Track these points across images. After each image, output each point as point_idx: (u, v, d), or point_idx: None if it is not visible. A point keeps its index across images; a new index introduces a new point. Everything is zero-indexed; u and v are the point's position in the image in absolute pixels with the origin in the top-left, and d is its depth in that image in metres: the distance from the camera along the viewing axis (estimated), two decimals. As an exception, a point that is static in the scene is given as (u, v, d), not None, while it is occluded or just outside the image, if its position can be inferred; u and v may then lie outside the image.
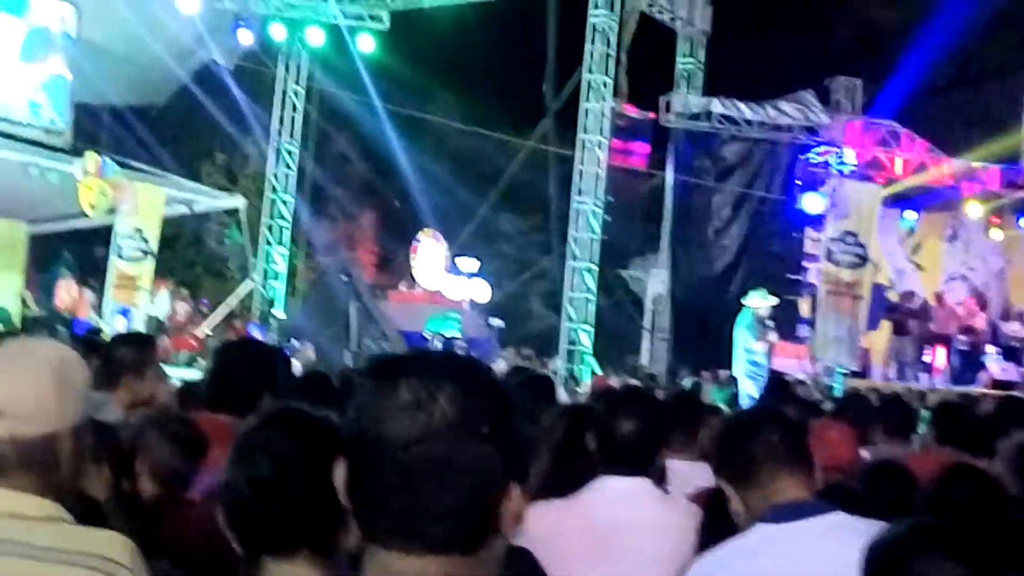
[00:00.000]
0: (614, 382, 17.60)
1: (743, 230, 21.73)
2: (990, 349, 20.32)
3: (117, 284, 17.76)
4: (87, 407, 2.01)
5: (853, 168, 21.13)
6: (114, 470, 2.86)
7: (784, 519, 2.61)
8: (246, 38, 20.64)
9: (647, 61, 21.45)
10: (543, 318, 26.80)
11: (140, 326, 17.08)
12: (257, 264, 22.00)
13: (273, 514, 2.10)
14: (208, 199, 20.97)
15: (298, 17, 21.42)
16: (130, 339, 5.22)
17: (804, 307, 21.13)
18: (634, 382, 17.18)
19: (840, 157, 21.32)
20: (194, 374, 12.39)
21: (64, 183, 16.85)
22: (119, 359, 4.48)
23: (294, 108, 22.33)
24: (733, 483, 2.75)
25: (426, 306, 23.10)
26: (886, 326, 20.50)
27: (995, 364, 19.99)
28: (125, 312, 17.52)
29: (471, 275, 24.75)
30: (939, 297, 21.42)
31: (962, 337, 20.48)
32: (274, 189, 22.42)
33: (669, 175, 21.76)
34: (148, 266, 18.11)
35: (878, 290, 20.07)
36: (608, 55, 19.16)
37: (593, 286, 19.16)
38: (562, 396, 9.53)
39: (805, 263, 21.62)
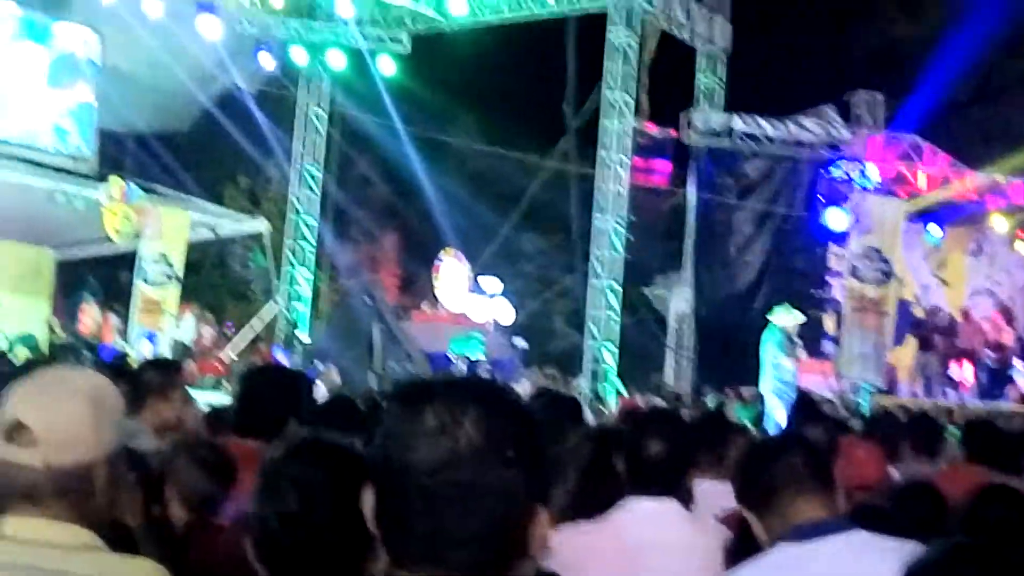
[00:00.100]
0: (639, 401, 17.57)
1: (766, 247, 21.66)
2: (1018, 364, 20.16)
3: (142, 309, 17.86)
4: (121, 435, 2.03)
5: (876, 183, 21.03)
6: (144, 496, 2.88)
7: (804, 538, 2.61)
8: (268, 62, 20.79)
9: (667, 79, 21.48)
10: (566, 337, 26.77)
11: (166, 350, 17.18)
12: (281, 287, 22.09)
13: (302, 545, 2.11)
14: (232, 223, 21.09)
15: (319, 41, 21.55)
16: (156, 364, 5.27)
17: (829, 324, 21.01)
18: (659, 401, 17.16)
19: (863, 172, 21.22)
20: (220, 397, 12.44)
21: (90, 209, 17.01)
22: (145, 383, 4.52)
23: (316, 131, 22.46)
24: (754, 510, 2.75)
25: (450, 327, 23.10)
26: (912, 342, 20.36)
27: (1023, 379, 19.84)
28: (151, 337, 17.61)
29: (494, 295, 24.75)
30: (965, 312, 21.29)
31: (989, 352, 20.33)
32: (297, 212, 22.52)
33: (691, 193, 21.73)
34: (173, 290, 18.21)
35: (904, 306, 19.95)
36: (628, 74, 19.17)
37: (616, 304, 19.12)
38: (587, 416, 9.50)
39: (829, 279, 21.52)
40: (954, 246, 22.61)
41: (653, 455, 3.26)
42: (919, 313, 21.02)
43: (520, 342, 23.53)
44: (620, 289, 19.28)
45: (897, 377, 20.28)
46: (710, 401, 16.48)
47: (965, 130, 21.11)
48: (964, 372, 20.44)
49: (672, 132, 21.94)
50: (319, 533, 2.10)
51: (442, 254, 24.68)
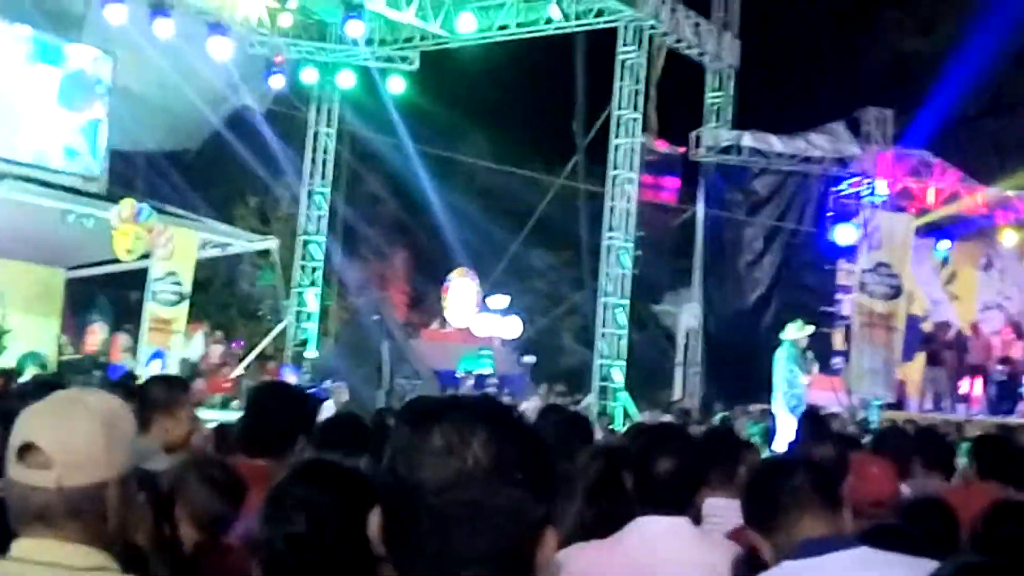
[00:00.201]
0: (647, 418, 17.54)
1: (775, 263, 21.66)
2: (1028, 379, 20.09)
3: (152, 327, 17.87)
4: (133, 456, 2.03)
5: (885, 199, 21.04)
6: (154, 516, 2.88)
7: (808, 555, 2.62)
8: (278, 82, 20.86)
9: (676, 96, 21.51)
10: (575, 354, 26.75)
11: (174, 369, 17.19)
12: (290, 305, 22.11)
13: (309, 567, 2.11)
14: (242, 241, 21.14)
15: (329, 60, 21.63)
16: (162, 380, 5.28)
17: (838, 339, 20.98)
18: (668, 417, 17.13)
19: (872, 188, 21.23)
20: (229, 416, 12.43)
21: (100, 229, 17.06)
22: (151, 399, 4.52)
23: (325, 150, 22.51)
24: (761, 531, 2.77)
25: (459, 344, 23.09)
26: (922, 357, 20.32)
27: (1033, 394, 19.77)
28: (160, 355, 17.63)
29: (503, 312, 24.75)
30: (975, 327, 21.24)
31: (999, 367, 20.27)
32: (306, 230, 22.55)
33: (700, 209, 21.74)
34: (183, 309, 18.23)
35: (913, 321, 19.91)
36: (637, 91, 19.21)
37: (625, 321, 19.11)
38: (597, 434, 9.48)
39: (838, 295, 21.50)
40: (964, 261, 22.58)
41: (663, 473, 3.26)
42: (928, 328, 20.98)
43: (529, 359, 23.53)
44: (629, 305, 19.27)
45: (906, 392, 20.23)
46: (717, 418, 16.43)
47: (975, 144, 21.11)
48: (974, 387, 20.39)
49: (681, 149, 21.96)
50: (326, 555, 2.10)
51: (452, 275, 24.70)
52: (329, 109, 22.46)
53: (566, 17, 19.04)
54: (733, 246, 21.74)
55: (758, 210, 21.68)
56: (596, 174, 21.60)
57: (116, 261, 18.00)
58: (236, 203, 25.71)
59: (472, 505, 1.41)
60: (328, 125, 22.48)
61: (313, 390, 16.85)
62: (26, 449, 1.92)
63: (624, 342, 19.06)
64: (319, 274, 22.67)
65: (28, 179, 17.01)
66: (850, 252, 20.30)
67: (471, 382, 20.12)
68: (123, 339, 18.69)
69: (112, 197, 17.87)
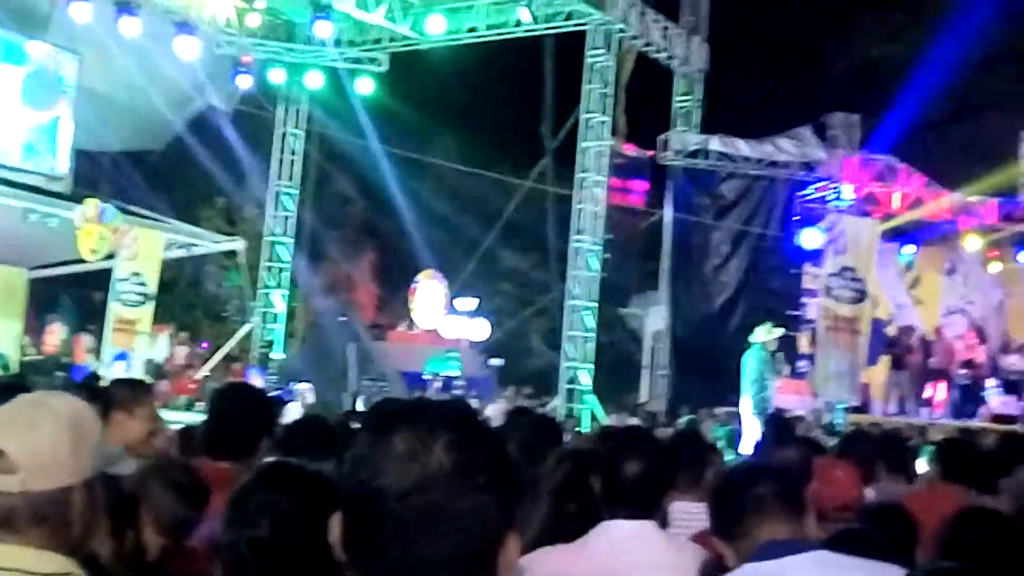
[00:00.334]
0: (614, 420, 17.57)
1: (742, 266, 21.77)
2: (990, 383, 20.30)
3: (116, 328, 17.73)
4: (101, 461, 2.01)
5: (851, 203, 21.20)
6: (116, 521, 2.85)
7: (768, 557, 2.65)
8: (245, 82, 20.74)
9: (645, 100, 21.59)
10: (543, 356, 26.80)
11: (139, 370, 17.06)
12: (256, 306, 21.99)
13: (272, 571, 2.09)
14: (208, 242, 21.00)
15: (297, 61, 21.53)
16: (124, 381, 5.27)
17: (804, 343, 21.12)
18: (634, 420, 17.17)
19: (838, 192, 21.40)
20: (194, 418, 12.35)
21: (64, 228, 16.90)
22: (111, 398, 4.49)
23: (293, 151, 22.39)
24: (726, 539, 2.80)
25: (426, 346, 23.06)
26: (886, 361, 20.49)
27: (995, 398, 19.98)
28: (124, 356, 17.49)
29: (470, 314, 24.74)
30: (938, 331, 21.45)
31: (962, 371, 20.48)
32: (273, 232, 22.43)
33: (668, 213, 21.82)
34: (147, 310, 18.10)
35: (877, 325, 20.06)
36: (606, 94, 19.24)
37: (592, 324, 19.14)
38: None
39: (804, 299, 21.64)
40: (928, 265, 22.79)
41: (630, 476, 3.25)
42: (892, 332, 21.16)
43: (496, 361, 23.53)
44: (596, 308, 19.30)
45: (871, 396, 20.38)
46: (682, 420, 16.48)
47: (941, 150, 21.31)
48: (937, 391, 20.58)
49: (649, 153, 22.03)
50: (289, 559, 2.09)
51: (419, 276, 24.66)
52: (297, 110, 22.35)
53: (535, 20, 19.04)
54: (700, 250, 21.83)
55: (725, 214, 21.79)
56: (564, 177, 21.63)
57: (80, 261, 17.83)
58: (202, 204, 25.56)
59: (435, 510, 1.40)
60: (296, 126, 22.37)
61: (279, 392, 16.78)
62: None
63: (591, 345, 19.09)
64: (286, 275, 22.55)
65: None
66: (816, 256, 20.43)
67: (438, 384, 20.08)
68: (87, 340, 18.53)
69: (76, 197, 17.71)
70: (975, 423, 18.54)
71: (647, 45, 20.43)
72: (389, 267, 29.44)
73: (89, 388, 7.18)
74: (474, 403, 16.40)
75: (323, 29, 18.70)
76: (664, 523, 3.63)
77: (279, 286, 22.34)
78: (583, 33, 19.32)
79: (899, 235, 21.69)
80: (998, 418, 19.06)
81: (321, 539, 1.54)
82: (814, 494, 3.70)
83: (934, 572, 2.13)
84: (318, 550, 1.85)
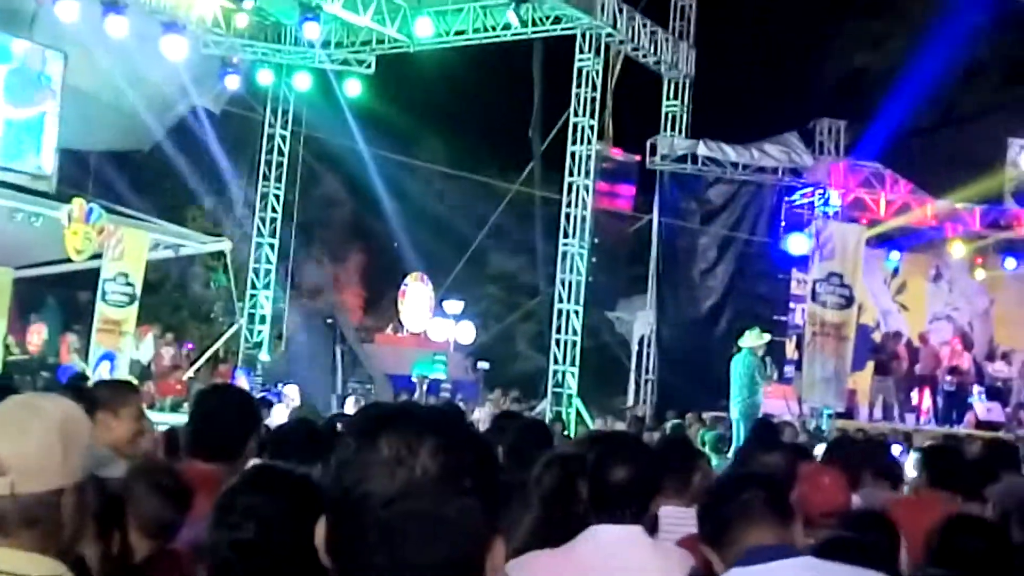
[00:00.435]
0: (601, 424, 17.59)
1: (729, 272, 21.78)
2: (975, 390, 20.39)
3: (102, 329, 17.65)
4: (91, 464, 2.00)
5: (837, 209, 21.27)
6: (102, 523, 2.83)
7: (753, 562, 2.66)
8: (233, 83, 20.70)
9: (633, 104, 21.60)
10: (530, 359, 26.81)
11: (125, 371, 17.00)
12: (243, 308, 21.93)
13: (257, 574, 2.08)
14: (195, 243, 20.94)
15: (285, 62, 21.51)
16: (109, 382, 5.25)
17: (790, 348, 21.17)
18: (621, 424, 17.18)
19: (825, 198, 21.46)
20: (180, 419, 12.31)
21: (49, 228, 16.83)
22: (96, 398, 4.46)
23: (280, 152, 22.34)
24: (713, 546, 2.81)
25: (413, 349, 23.06)
26: (871, 366, 20.55)
27: (980, 404, 20.07)
28: (110, 357, 17.42)
29: (457, 317, 24.75)
30: (923, 337, 21.52)
31: (948, 377, 20.55)
32: (260, 232, 22.38)
33: (655, 217, 21.84)
34: (133, 311, 18.03)
35: (864, 331, 20.13)
36: (594, 98, 19.27)
37: (579, 327, 19.15)
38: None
39: (791, 304, 21.69)
40: (914, 272, 22.87)
41: (618, 481, 3.25)
42: (877, 338, 21.24)
43: (482, 364, 23.55)
44: (583, 312, 19.31)
45: (857, 401, 20.44)
46: (667, 425, 16.49)
47: (927, 157, 21.37)
48: (923, 397, 20.65)
49: (637, 157, 22.05)
50: (274, 562, 2.08)
51: (408, 279, 24.66)
52: (284, 111, 22.31)
53: (524, 24, 19.05)
54: (687, 254, 21.84)
55: (712, 219, 21.81)
56: (552, 180, 21.64)
57: (65, 261, 17.76)
58: (189, 204, 25.47)
59: (421, 516, 1.39)
60: (283, 127, 22.33)
61: (265, 393, 16.76)
62: None
63: (578, 348, 19.10)
64: (272, 277, 22.51)
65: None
66: (803, 262, 20.48)
67: (425, 387, 20.09)
68: (72, 339, 18.46)
69: (62, 196, 17.64)
70: (961, 429, 18.61)
71: (635, 50, 20.47)
72: (376, 269, 29.42)
73: (75, 388, 7.15)
74: (460, 406, 16.39)
75: (311, 30, 18.68)
76: (654, 527, 3.62)
77: (266, 287, 22.30)
78: (572, 37, 19.35)
79: (885, 241, 21.76)
80: (983, 425, 19.15)
81: (306, 543, 1.53)
82: (801, 500, 3.71)
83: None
84: (303, 554, 1.84)
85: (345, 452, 1.45)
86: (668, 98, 22.08)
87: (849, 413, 19.75)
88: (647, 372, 21.81)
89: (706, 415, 17.17)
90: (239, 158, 23.65)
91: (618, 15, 19.36)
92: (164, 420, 11.27)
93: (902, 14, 24.30)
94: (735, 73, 24.80)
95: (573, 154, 19.29)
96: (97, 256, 17.54)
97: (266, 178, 22.30)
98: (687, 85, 22.05)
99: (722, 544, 2.78)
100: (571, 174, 19.32)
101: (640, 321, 22.30)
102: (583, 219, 19.28)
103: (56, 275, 19.74)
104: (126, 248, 17.77)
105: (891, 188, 21.71)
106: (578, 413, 18.71)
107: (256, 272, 22.25)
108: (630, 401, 21.71)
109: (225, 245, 20.93)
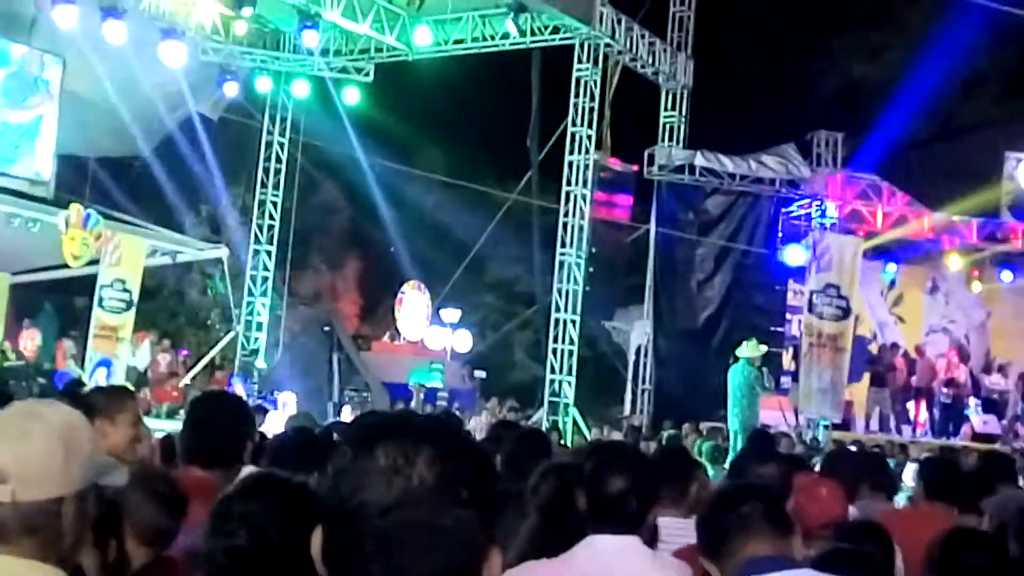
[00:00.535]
0: (598, 434, 17.58)
1: (726, 282, 21.80)
2: (971, 402, 20.40)
3: (98, 335, 17.63)
4: (93, 472, 1.99)
5: (835, 221, 21.29)
6: (99, 531, 2.82)
7: (752, 573, 2.66)
8: (232, 90, 20.71)
9: (630, 115, 21.64)
10: (526, 369, 26.79)
11: (121, 377, 16.97)
12: (240, 315, 21.91)
13: None
14: (192, 250, 20.93)
15: (284, 70, 21.52)
16: (105, 388, 5.24)
17: (787, 359, 21.17)
18: (617, 434, 17.18)
19: (822, 210, 21.48)
20: (176, 426, 12.29)
21: (47, 233, 16.81)
22: (92, 404, 4.45)
23: (278, 159, 22.34)
24: (712, 559, 2.81)
25: (409, 357, 23.05)
26: (867, 378, 20.56)
27: (977, 417, 20.08)
28: (106, 363, 17.39)
29: (454, 326, 24.74)
30: (920, 350, 21.53)
31: (944, 389, 20.57)
32: (257, 240, 22.37)
33: (652, 227, 21.86)
34: (130, 317, 18.01)
35: (860, 342, 20.14)
36: (592, 108, 19.29)
37: (576, 337, 19.15)
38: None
39: (788, 315, 21.70)
40: (911, 284, 22.90)
41: (616, 491, 3.25)
42: (874, 350, 21.25)
43: (479, 373, 23.53)
44: (580, 322, 19.31)
45: (853, 413, 20.45)
46: (664, 435, 16.50)
47: (924, 169, 21.40)
48: (919, 409, 20.66)
49: (634, 167, 22.08)
50: (269, 570, 2.07)
51: (405, 287, 24.65)
52: (283, 119, 22.32)
53: (522, 33, 19.06)
54: (684, 265, 21.86)
55: (709, 230, 21.83)
56: (550, 190, 21.65)
57: (62, 267, 17.74)
58: (187, 211, 25.45)
59: (417, 525, 1.39)
60: (281, 135, 22.34)
61: (262, 400, 16.74)
62: None
63: (575, 358, 19.10)
64: (269, 284, 22.50)
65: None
66: (800, 273, 20.50)
67: (421, 395, 20.08)
68: (68, 345, 18.43)
69: (60, 202, 17.63)
70: (957, 441, 18.62)
71: (633, 60, 20.50)
72: (373, 277, 29.40)
73: (71, 395, 7.14)
74: (456, 415, 16.39)
75: (310, 38, 18.69)
76: (654, 538, 3.62)
77: (263, 294, 22.28)
78: (570, 47, 19.38)
79: (882, 253, 21.79)
80: (979, 437, 19.17)
81: (302, 551, 1.53)
82: (798, 511, 3.71)
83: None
84: (299, 562, 1.84)
85: (342, 461, 1.45)
86: (666, 108, 22.11)
87: (845, 424, 19.75)
88: (644, 382, 21.81)
89: (703, 425, 17.18)
90: (237, 165, 23.64)
91: (616, 25, 19.39)
92: (160, 427, 11.24)
93: (900, 26, 24.38)
94: (733, 84, 24.83)
95: (571, 164, 19.32)
96: (94, 262, 17.52)
97: (264, 185, 22.30)
98: (685, 96, 22.09)
99: (721, 556, 2.78)
100: (569, 184, 19.34)
101: (637, 331, 22.30)
102: (580, 229, 19.29)
103: (53, 281, 19.72)
104: (123, 254, 17.76)
105: (888, 200, 21.73)
106: (575, 423, 18.70)
107: (253, 279, 22.23)
108: (627, 411, 21.70)
109: (222, 252, 20.91)
